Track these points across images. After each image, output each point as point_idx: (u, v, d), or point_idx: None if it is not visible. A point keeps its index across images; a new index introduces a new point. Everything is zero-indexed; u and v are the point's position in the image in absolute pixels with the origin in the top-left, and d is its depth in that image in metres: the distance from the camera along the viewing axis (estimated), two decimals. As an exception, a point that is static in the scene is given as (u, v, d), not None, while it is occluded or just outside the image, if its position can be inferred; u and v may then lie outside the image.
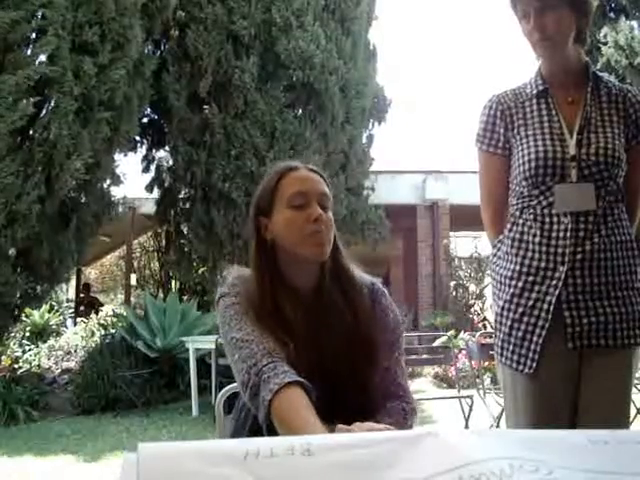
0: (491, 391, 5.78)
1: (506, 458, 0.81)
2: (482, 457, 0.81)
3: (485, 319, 11.82)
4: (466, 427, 5.22)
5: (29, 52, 6.70)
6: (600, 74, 2.12)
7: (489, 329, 9.96)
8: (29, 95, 6.55)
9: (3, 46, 6.47)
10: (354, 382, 1.51)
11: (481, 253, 12.41)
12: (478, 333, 6.81)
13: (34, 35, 6.91)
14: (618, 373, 1.95)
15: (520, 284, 1.99)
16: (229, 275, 1.66)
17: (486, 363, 6.55)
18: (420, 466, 0.80)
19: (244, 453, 0.79)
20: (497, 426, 4.99)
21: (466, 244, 13.25)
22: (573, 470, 0.83)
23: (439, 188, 13.53)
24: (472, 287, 12.59)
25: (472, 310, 12.32)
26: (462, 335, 9.52)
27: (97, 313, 10.96)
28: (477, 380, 5.92)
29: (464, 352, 7.79)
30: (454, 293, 12.59)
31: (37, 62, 6.68)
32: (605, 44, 11.14)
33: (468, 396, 5.53)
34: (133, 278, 13.08)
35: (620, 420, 1.93)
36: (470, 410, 5.43)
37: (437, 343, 8.98)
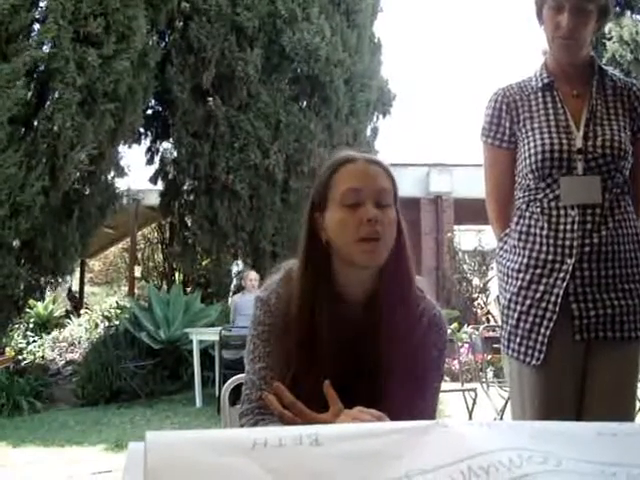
0: (494, 384, 5.78)
1: (515, 449, 0.81)
2: (491, 448, 0.81)
3: (489, 312, 11.81)
4: (470, 420, 5.22)
5: (30, 42, 6.69)
6: (605, 68, 2.12)
7: (492, 322, 9.95)
8: (28, 83, 6.56)
9: (5, 36, 6.47)
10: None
11: (485, 247, 12.39)
12: (482, 326, 6.81)
13: (36, 26, 6.91)
14: (625, 365, 1.95)
15: (528, 277, 1.98)
16: (281, 270, 1.54)
17: (489, 356, 6.54)
18: (429, 457, 0.80)
19: (252, 443, 0.79)
20: (501, 419, 4.99)
21: (470, 237, 13.22)
22: (581, 461, 0.83)
23: (443, 181, 13.50)
24: (476, 281, 12.57)
25: (476, 304, 12.31)
26: (466, 328, 9.52)
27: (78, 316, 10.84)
28: (480, 373, 5.92)
29: (467, 345, 7.79)
30: (458, 287, 12.57)
31: (37, 51, 6.66)
32: (610, 39, 11.11)
33: (472, 389, 5.53)
34: (137, 270, 13.08)
35: (626, 412, 1.93)
36: (474, 403, 5.42)
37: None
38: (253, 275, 7.90)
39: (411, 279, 1.49)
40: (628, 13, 11.24)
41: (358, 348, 1.44)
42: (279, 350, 1.46)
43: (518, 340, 1.99)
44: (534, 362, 1.94)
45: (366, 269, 1.43)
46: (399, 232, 1.45)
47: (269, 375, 1.44)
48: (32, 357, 8.60)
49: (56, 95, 6.89)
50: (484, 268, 12.47)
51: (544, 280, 1.96)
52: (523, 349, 1.98)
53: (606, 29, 10.99)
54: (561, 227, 1.94)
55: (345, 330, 1.45)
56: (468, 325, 9.90)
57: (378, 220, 1.38)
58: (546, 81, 2.07)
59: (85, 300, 14.64)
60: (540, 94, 2.07)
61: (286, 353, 1.45)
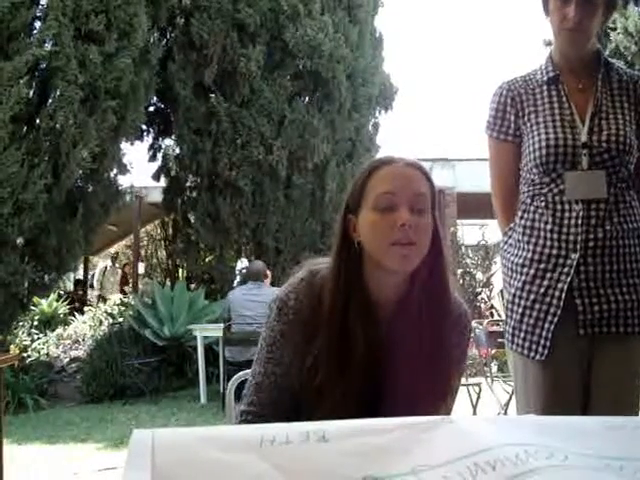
0: (499, 379, 5.78)
1: (521, 444, 0.81)
2: (497, 443, 0.81)
3: (492, 307, 11.80)
4: (474, 415, 5.23)
5: (31, 40, 6.68)
6: (611, 61, 2.11)
7: (496, 317, 9.95)
8: (30, 81, 6.56)
9: (6, 34, 6.47)
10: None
11: (488, 241, 12.38)
12: (485, 321, 6.80)
13: (37, 24, 6.92)
14: (629, 360, 1.94)
15: (532, 271, 1.98)
16: (303, 270, 1.49)
17: (493, 351, 6.54)
18: (436, 453, 0.80)
19: (259, 439, 0.79)
20: (505, 413, 4.99)
21: (473, 232, 13.21)
22: (588, 456, 0.83)
23: (446, 176, 13.49)
24: (479, 275, 12.55)
25: (479, 298, 12.30)
26: (469, 323, 9.49)
27: (82, 313, 10.79)
28: (485, 368, 5.92)
29: (471, 340, 7.78)
30: (461, 281, 12.55)
31: (39, 49, 6.65)
32: (614, 30, 11.06)
33: (476, 384, 5.53)
34: (140, 267, 13.08)
35: (631, 406, 1.93)
36: (478, 398, 5.43)
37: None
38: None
39: (446, 288, 1.45)
40: (632, 4, 11.18)
41: (387, 351, 1.41)
42: (292, 356, 1.43)
43: (522, 335, 1.99)
44: (538, 357, 1.94)
45: (396, 274, 1.40)
46: (436, 238, 1.42)
47: (265, 382, 1.44)
48: (37, 354, 8.60)
49: (58, 93, 6.88)
50: (487, 262, 12.44)
51: (548, 275, 1.95)
52: (527, 344, 1.97)
53: (610, 20, 10.93)
54: (565, 222, 1.94)
55: (376, 333, 1.41)
56: (472, 319, 9.88)
57: (412, 225, 1.35)
58: (552, 75, 2.06)
59: (88, 297, 14.65)
60: (545, 88, 2.06)
61: (302, 358, 1.41)
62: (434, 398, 1.38)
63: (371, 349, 1.39)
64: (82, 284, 15.17)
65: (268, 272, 7.21)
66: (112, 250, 14.35)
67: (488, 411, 5.47)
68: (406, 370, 1.37)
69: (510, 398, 5.06)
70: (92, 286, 14.77)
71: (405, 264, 1.37)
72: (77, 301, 12.81)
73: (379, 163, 1.44)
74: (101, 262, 14.31)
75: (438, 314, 1.41)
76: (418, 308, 1.40)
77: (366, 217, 1.40)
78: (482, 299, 12.33)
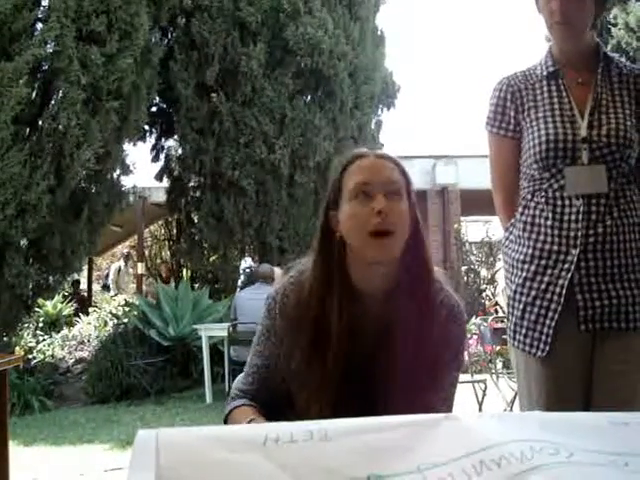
0: (504, 375, 5.78)
1: (526, 441, 0.81)
2: (502, 440, 0.81)
3: (497, 304, 11.77)
4: (480, 412, 5.22)
5: (33, 41, 6.69)
6: (611, 55, 2.10)
7: (501, 314, 9.92)
8: (32, 82, 6.57)
9: (8, 36, 6.48)
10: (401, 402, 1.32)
11: (492, 237, 12.36)
12: (490, 317, 6.80)
13: (39, 25, 6.93)
14: (631, 356, 1.93)
15: (532, 268, 1.97)
16: (293, 269, 1.56)
17: (498, 347, 6.53)
18: (440, 450, 0.80)
19: (263, 438, 0.79)
20: (511, 410, 4.98)
21: (477, 229, 13.18)
22: (593, 452, 0.83)
23: (449, 173, 13.46)
24: (483, 272, 12.53)
25: (484, 295, 12.27)
26: (474, 320, 9.48)
27: (87, 314, 10.80)
28: (490, 364, 5.92)
29: (476, 337, 7.78)
30: (465, 278, 12.53)
31: (40, 49, 6.65)
32: (615, 26, 11.04)
33: (481, 380, 5.52)
34: (140, 267, 13.06)
35: (633, 402, 1.92)
36: (483, 394, 5.42)
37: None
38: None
39: (429, 273, 1.49)
40: (633, 0, 11.15)
41: (375, 342, 1.45)
42: (277, 350, 1.50)
43: (524, 332, 1.99)
44: (540, 354, 1.94)
45: (380, 264, 1.43)
46: (416, 225, 1.46)
47: (255, 374, 1.55)
48: (42, 356, 8.61)
49: (60, 94, 6.89)
50: (491, 259, 12.42)
51: (549, 271, 1.95)
52: (529, 340, 1.97)
53: (611, 15, 10.92)
54: (566, 217, 1.93)
55: (362, 325, 1.46)
56: (476, 316, 9.86)
57: (388, 211, 1.38)
58: (551, 69, 2.05)
59: (93, 298, 14.66)
60: (545, 82, 2.05)
61: (290, 351, 1.48)
62: (422, 384, 1.40)
63: (356, 339, 1.44)
64: (79, 284, 15.16)
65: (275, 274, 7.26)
66: (124, 250, 14.36)
67: (494, 408, 5.46)
68: (394, 358, 1.41)
69: (515, 395, 5.05)
70: (106, 287, 14.78)
71: (385, 254, 1.41)
72: (77, 302, 12.78)
73: (352, 158, 1.50)
74: (105, 263, 14.28)
75: (424, 301, 1.45)
76: (404, 296, 1.44)
77: (345, 209, 1.44)
78: (486, 296, 12.30)
